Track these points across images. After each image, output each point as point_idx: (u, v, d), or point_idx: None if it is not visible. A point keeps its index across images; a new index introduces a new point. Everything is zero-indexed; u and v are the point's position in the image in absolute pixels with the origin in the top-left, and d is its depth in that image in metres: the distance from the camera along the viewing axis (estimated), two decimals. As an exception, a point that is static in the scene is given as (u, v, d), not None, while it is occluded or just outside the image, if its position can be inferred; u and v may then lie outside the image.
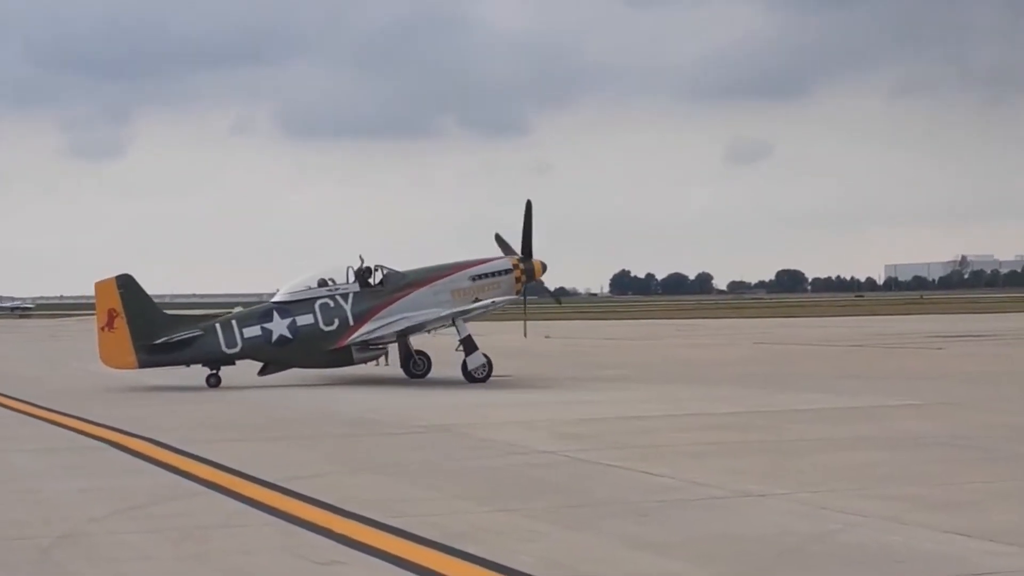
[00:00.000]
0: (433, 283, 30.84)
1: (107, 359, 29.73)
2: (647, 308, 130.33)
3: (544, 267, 32.21)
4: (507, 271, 31.40)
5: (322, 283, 30.26)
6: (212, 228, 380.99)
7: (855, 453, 15.88)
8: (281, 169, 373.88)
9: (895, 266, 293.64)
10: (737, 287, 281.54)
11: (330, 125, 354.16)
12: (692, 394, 25.45)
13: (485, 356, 29.33)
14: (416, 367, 31.34)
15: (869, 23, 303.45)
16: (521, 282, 31.66)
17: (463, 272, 31.12)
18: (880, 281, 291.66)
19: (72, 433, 20.16)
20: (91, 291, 30.27)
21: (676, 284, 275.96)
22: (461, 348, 29.52)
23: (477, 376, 29.12)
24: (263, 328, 29.63)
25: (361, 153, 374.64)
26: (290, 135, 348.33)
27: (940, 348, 41.30)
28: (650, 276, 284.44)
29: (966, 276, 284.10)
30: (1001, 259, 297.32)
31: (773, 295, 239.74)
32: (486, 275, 31.20)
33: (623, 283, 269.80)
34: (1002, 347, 41.74)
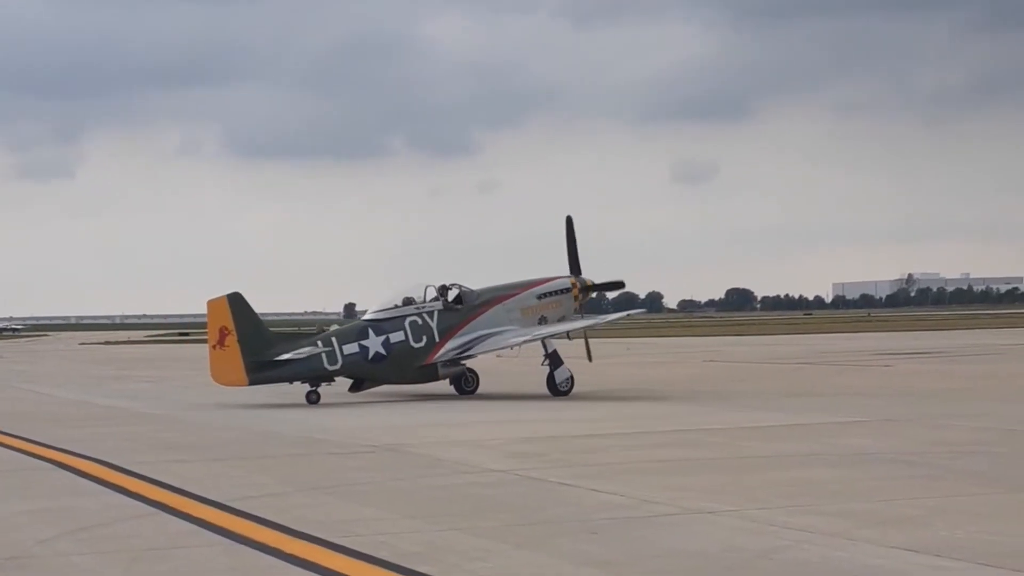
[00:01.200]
0: (505, 301, 32.06)
1: (218, 377, 29.64)
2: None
3: (593, 284, 33.64)
4: (567, 290, 32.75)
5: (407, 301, 31.04)
6: (161, 248, 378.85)
7: (803, 470, 16.00)
8: (229, 189, 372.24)
9: (843, 284, 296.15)
10: (687, 306, 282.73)
11: (278, 145, 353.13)
12: (642, 412, 25.55)
13: (569, 370, 30.77)
14: (467, 384, 32.08)
15: (812, 45, 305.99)
16: (578, 300, 32.94)
17: (530, 291, 32.37)
18: (828, 299, 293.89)
19: (17, 454, 19.99)
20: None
21: (627, 303, 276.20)
22: (548, 362, 30.80)
23: (562, 389, 30.61)
24: (360, 345, 30.20)
25: (309, 173, 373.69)
26: (238, 155, 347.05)
27: (887, 366, 41.66)
28: (600, 295, 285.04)
29: (913, 294, 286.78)
30: (947, 277, 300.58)
31: (723, 313, 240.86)
32: (550, 293, 32.56)
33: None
34: (948, 364, 42.16)
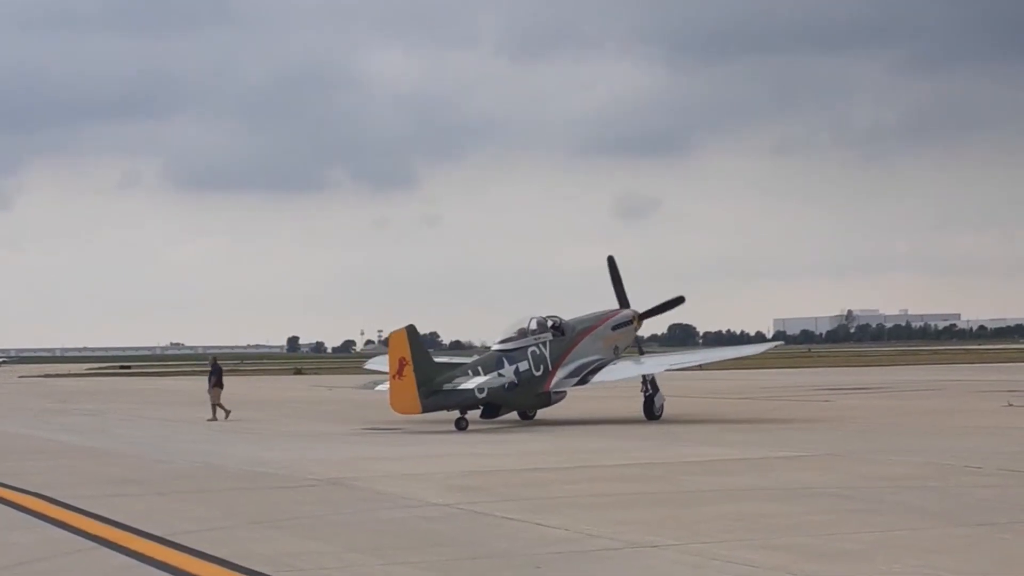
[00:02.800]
0: (592, 332, 34.36)
1: (396, 405, 30.41)
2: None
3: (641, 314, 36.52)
4: (631, 321, 35.56)
5: (522, 333, 32.84)
6: (102, 281, 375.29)
7: (745, 504, 16.09)
8: (169, 222, 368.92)
9: (783, 320, 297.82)
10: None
11: (220, 178, 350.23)
12: (584, 446, 25.60)
13: (664, 396, 33.92)
14: (530, 409, 33.74)
15: (751, 82, 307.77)
16: (636, 331, 36.10)
17: (607, 323, 34.84)
18: (769, 335, 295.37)
19: (-45, 488, 19.70)
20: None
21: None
22: (649, 389, 33.55)
23: (657, 413, 33.41)
24: (499, 375, 31.77)
25: (251, 206, 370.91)
26: (179, 188, 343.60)
27: (827, 400, 41.99)
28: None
29: (852, 330, 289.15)
30: (886, 313, 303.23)
31: (666, 348, 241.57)
32: (621, 325, 35.14)
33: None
34: (887, 399, 42.54)
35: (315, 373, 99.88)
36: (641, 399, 33.83)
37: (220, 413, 36.72)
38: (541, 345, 32.69)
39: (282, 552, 12.78)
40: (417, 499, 16.93)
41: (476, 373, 31.21)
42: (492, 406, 31.92)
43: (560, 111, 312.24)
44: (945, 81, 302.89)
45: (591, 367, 33.12)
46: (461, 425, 30.49)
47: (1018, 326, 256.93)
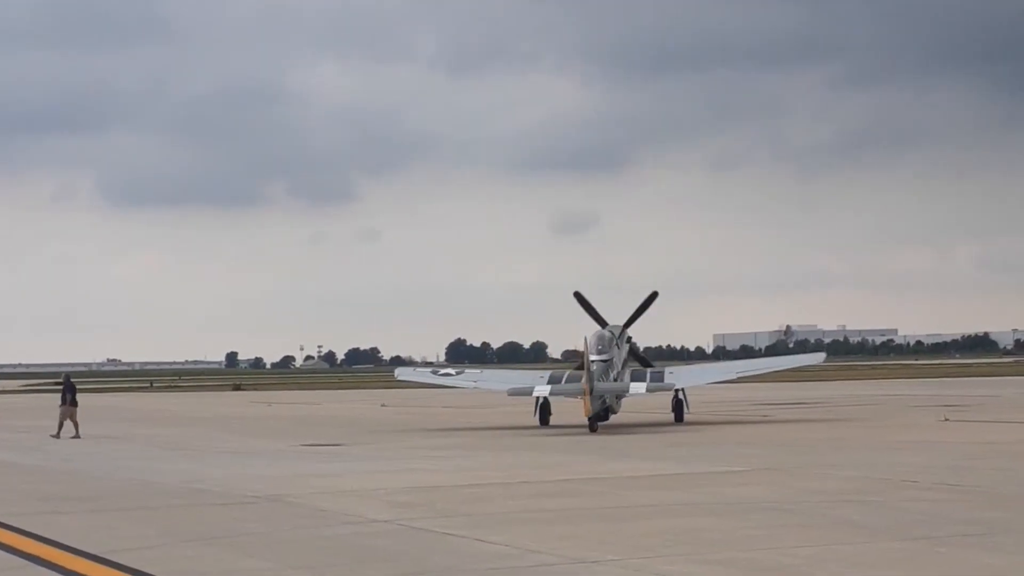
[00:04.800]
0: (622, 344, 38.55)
1: (585, 409, 34.10)
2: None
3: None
4: (629, 338, 39.53)
5: (602, 348, 36.61)
6: (35, 297, 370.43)
7: (685, 519, 16.14)
8: (105, 238, 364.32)
9: (723, 335, 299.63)
10: (571, 355, 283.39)
11: (156, 194, 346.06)
12: (526, 461, 25.59)
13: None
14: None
15: (688, 99, 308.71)
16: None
17: (625, 333, 38.90)
18: (709, 350, 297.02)
19: None
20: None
21: (511, 352, 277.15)
22: (680, 395, 38.67)
23: (684, 416, 38.44)
24: (608, 383, 35.91)
25: (186, 221, 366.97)
26: (113, 203, 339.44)
27: (766, 416, 42.23)
28: (486, 345, 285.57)
29: (791, 345, 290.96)
30: (824, 328, 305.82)
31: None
32: (629, 339, 39.37)
33: (459, 352, 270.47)
34: (825, 414, 42.86)
35: (255, 389, 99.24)
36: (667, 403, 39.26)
37: (69, 429, 36.15)
38: (616, 356, 37.07)
39: (220, 570, 12.67)
40: (358, 515, 16.85)
41: (600, 381, 34.89)
42: (605, 411, 35.54)
43: (498, 126, 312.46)
44: (882, 97, 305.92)
45: (649, 373, 38.05)
46: (593, 427, 33.90)
47: (954, 342, 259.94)
